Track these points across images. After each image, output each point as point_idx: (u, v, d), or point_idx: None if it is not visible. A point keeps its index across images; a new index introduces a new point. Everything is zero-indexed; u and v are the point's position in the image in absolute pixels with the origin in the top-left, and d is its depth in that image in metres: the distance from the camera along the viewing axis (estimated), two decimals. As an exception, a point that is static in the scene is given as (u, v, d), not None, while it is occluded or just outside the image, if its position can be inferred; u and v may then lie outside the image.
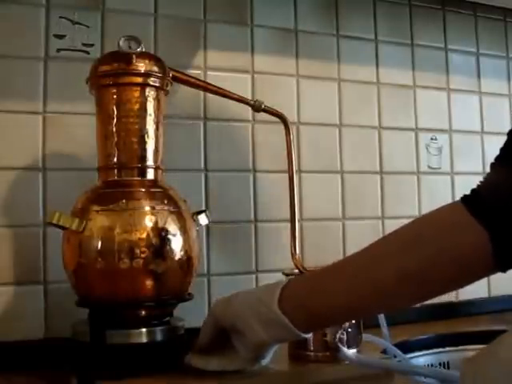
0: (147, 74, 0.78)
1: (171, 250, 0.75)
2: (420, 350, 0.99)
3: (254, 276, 1.04)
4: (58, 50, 0.93)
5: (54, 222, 0.73)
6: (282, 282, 0.67)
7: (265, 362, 0.71)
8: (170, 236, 0.75)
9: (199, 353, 0.71)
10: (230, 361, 0.69)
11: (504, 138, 0.61)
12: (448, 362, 1.01)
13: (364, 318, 0.79)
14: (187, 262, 0.77)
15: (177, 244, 0.76)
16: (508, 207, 0.57)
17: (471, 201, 0.60)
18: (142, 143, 0.78)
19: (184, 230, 0.77)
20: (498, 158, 0.61)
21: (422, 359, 0.98)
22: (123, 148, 0.77)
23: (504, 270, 0.59)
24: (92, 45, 0.94)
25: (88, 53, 0.94)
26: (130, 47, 0.77)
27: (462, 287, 0.63)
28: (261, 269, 1.04)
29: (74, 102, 0.92)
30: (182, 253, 0.76)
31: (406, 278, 0.61)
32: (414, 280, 0.61)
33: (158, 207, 0.76)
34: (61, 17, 0.93)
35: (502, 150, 0.61)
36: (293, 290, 0.66)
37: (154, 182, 0.79)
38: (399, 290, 0.62)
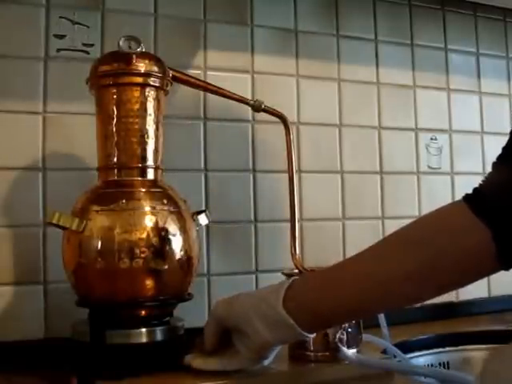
0: (147, 74, 0.78)
1: (171, 250, 0.75)
2: (420, 350, 0.99)
3: (253, 276, 1.04)
4: (58, 50, 0.93)
5: (54, 222, 0.73)
6: (286, 282, 0.67)
7: (267, 362, 0.71)
8: (169, 236, 0.75)
9: (200, 353, 0.71)
10: (230, 360, 0.69)
11: (504, 138, 0.61)
12: (448, 362, 1.01)
13: (366, 318, 0.79)
14: (187, 261, 0.77)
15: (177, 244, 0.76)
16: (510, 206, 0.57)
17: (473, 200, 0.60)
18: (142, 143, 0.78)
19: (184, 230, 0.77)
20: (499, 157, 0.61)
21: (421, 359, 0.98)
22: (123, 148, 0.77)
23: (507, 268, 0.59)
24: (92, 45, 0.94)
25: (88, 53, 0.94)
26: (130, 47, 0.77)
27: (464, 286, 0.63)
28: (261, 269, 1.04)
29: (73, 101, 0.92)
30: (182, 253, 0.76)
31: (408, 280, 0.61)
32: (417, 282, 0.61)
33: (158, 207, 0.76)
34: (61, 17, 0.93)
35: (504, 148, 0.61)
36: (297, 290, 0.66)
37: (154, 182, 0.79)
38: (402, 292, 0.62)
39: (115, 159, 0.77)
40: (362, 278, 0.64)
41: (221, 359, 0.69)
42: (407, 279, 0.61)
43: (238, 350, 0.68)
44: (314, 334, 0.69)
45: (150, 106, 0.78)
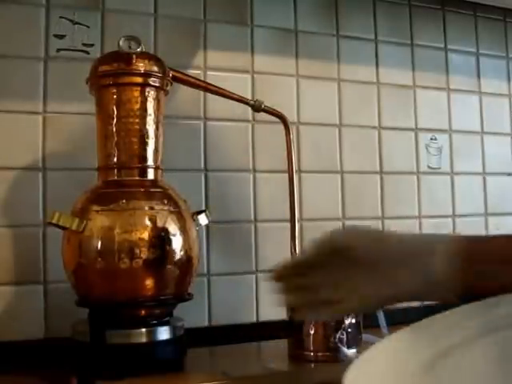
0: (147, 74, 0.78)
1: (171, 250, 0.75)
2: (420, 349, 0.98)
3: (253, 276, 1.04)
4: (58, 50, 0.93)
5: (54, 221, 0.73)
6: (439, 236, 0.58)
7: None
8: (169, 236, 0.75)
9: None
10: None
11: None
12: (448, 362, 1.01)
13: (363, 319, 0.78)
14: (187, 261, 0.77)
15: (177, 244, 0.76)
16: None
17: None
18: (142, 143, 0.78)
19: (184, 230, 0.77)
20: None
21: (421, 359, 0.98)
22: (123, 148, 0.77)
23: None
24: (92, 45, 0.94)
25: (88, 53, 0.94)
26: (130, 47, 0.77)
27: None
28: (261, 269, 1.04)
29: (73, 101, 0.92)
30: (182, 253, 0.76)
31: None
32: None
33: (157, 207, 0.76)
34: (61, 17, 0.93)
35: None
36: (457, 248, 0.56)
37: (154, 182, 0.79)
38: None
39: (115, 159, 0.77)
40: None
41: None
42: None
43: (354, 287, 0.58)
44: (312, 334, 0.69)
45: (150, 106, 0.78)
